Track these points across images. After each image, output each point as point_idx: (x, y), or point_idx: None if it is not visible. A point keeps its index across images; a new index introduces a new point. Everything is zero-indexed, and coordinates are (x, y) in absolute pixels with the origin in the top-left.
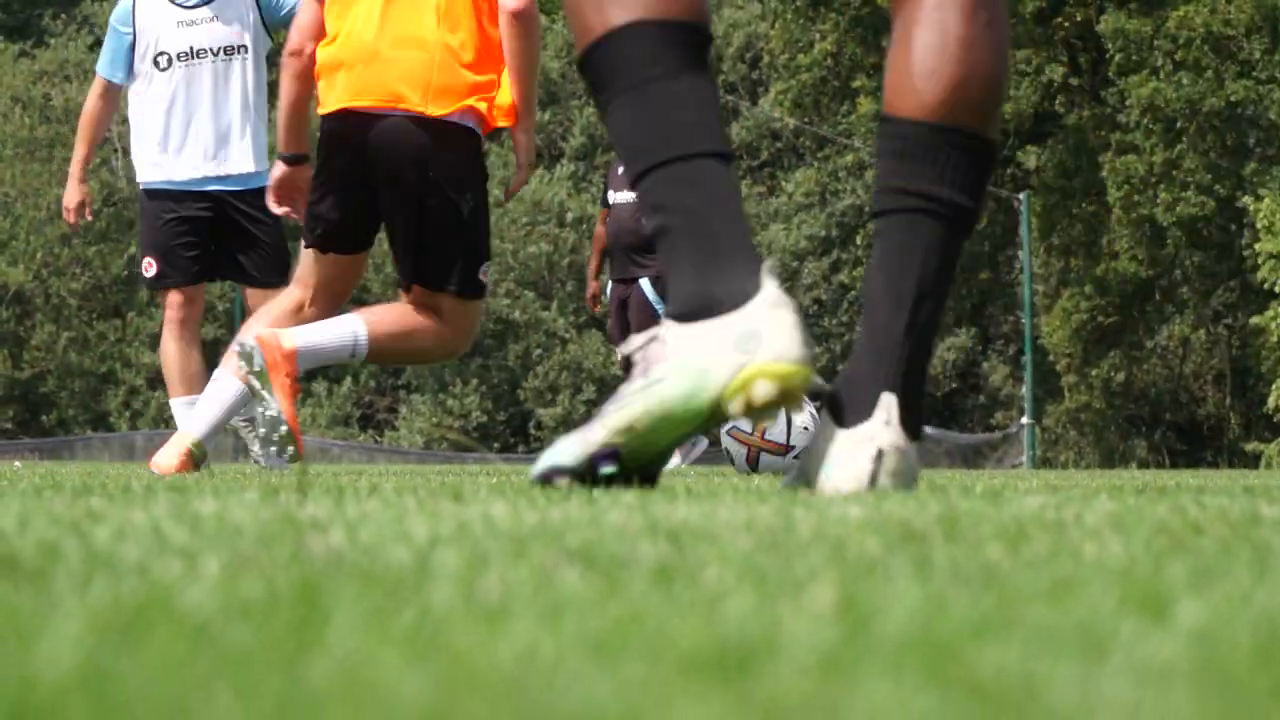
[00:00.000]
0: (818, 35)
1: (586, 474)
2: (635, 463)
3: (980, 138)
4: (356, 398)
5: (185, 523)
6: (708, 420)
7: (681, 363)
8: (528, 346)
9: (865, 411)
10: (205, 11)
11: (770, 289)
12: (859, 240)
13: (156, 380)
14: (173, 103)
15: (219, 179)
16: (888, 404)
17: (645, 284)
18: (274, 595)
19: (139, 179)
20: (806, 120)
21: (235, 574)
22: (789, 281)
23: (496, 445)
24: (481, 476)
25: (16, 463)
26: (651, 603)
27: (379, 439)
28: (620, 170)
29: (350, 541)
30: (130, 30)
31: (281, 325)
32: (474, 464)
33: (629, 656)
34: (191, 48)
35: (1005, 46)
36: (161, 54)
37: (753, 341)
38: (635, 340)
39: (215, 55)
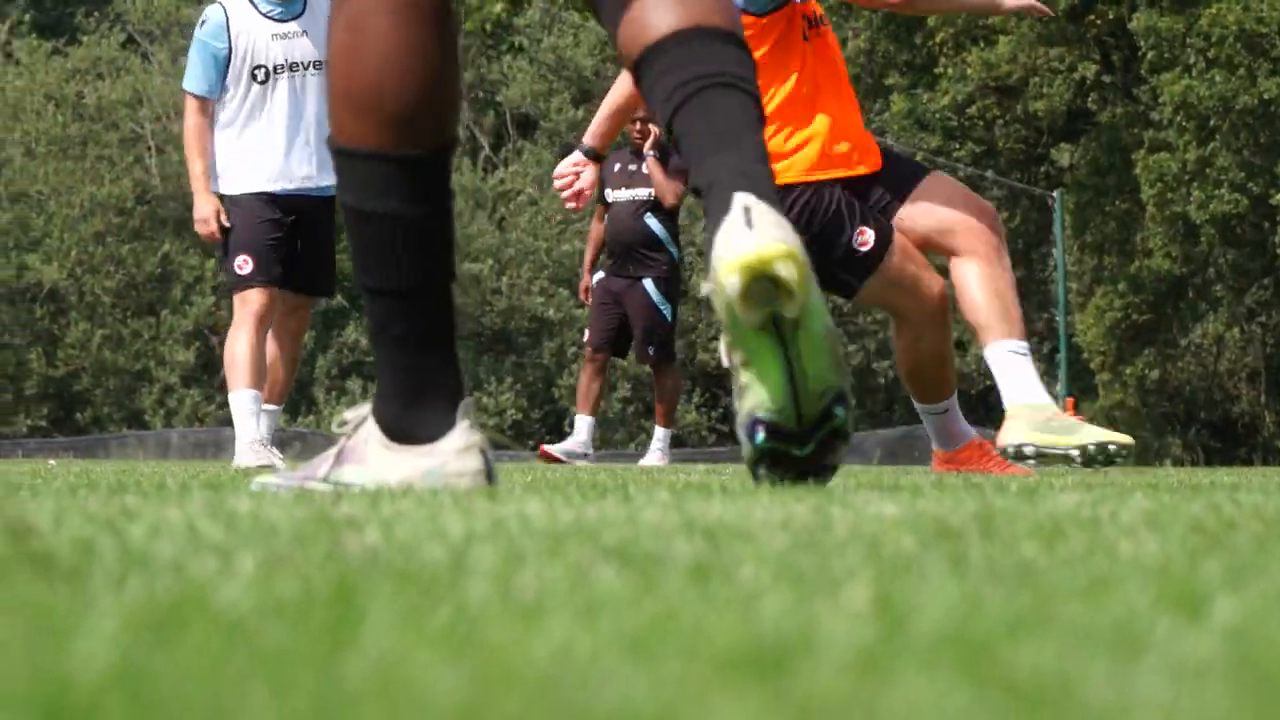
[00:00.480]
0: (850, 33)
1: None
2: None
3: (734, 34)
4: None
5: (220, 520)
6: None
7: (374, 482)
8: (562, 344)
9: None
10: (295, 26)
11: (460, 432)
12: None
13: (191, 378)
14: (268, 115)
15: (309, 192)
16: (740, 199)
17: (649, 284)
18: (309, 593)
19: (228, 188)
20: None
21: (270, 572)
22: None
23: (531, 443)
24: (516, 474)
25: (51, 461)
26: (687, 601)
27: None
28: (617, 168)
29: (385, 539)
30: (225, 44)
31: None
32: (509, 461)
33: (665, 655)
34: (287, 60)
35: None
36: (259, 67)
37: (438, 479)
38: (350, 415)
39: (306, 68)
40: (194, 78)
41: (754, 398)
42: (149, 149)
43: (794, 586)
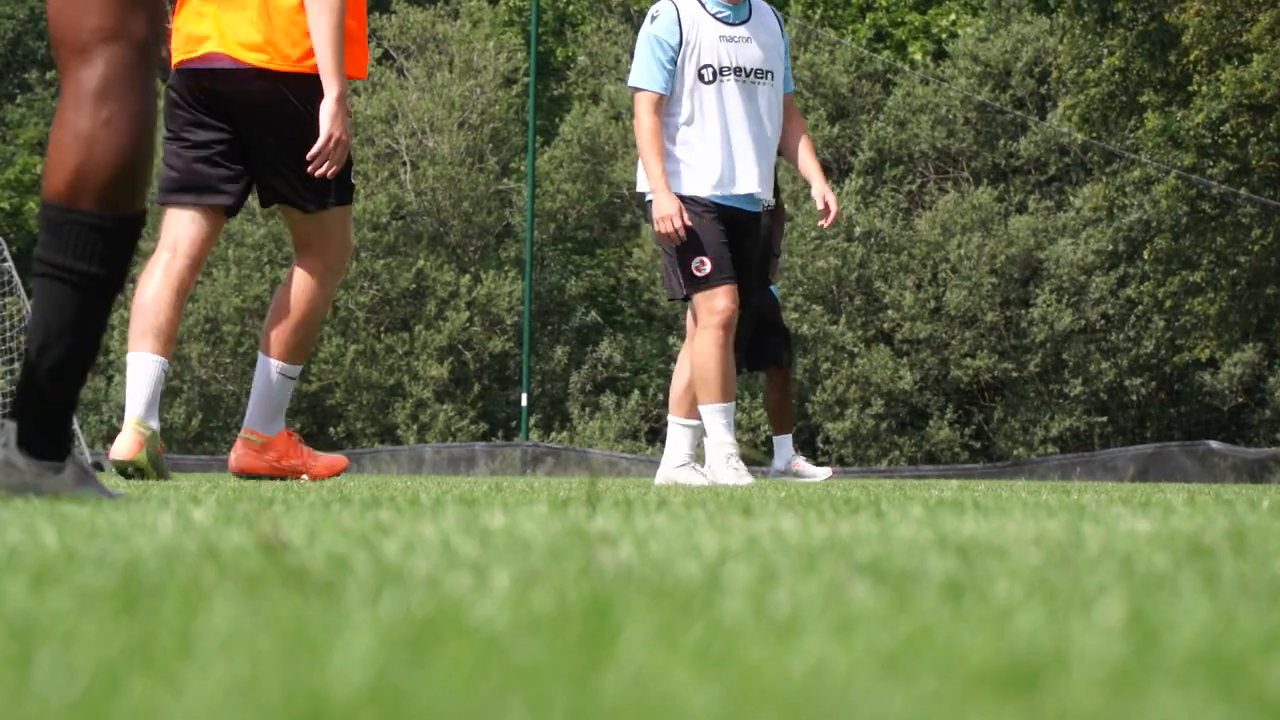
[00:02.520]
0: (1106, 50)
1: None
2: None
3: (107, 216)
4: (644, 411)
5: (474, 536)
6: None
7: None
8: (816, 360)
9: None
10: (744, 30)
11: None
12: (1146, 255)
13: (444, 394)
14: (715, 117)
15: (747, 197)
16: (8, 427)
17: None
18: (564, 609)
19: (684, 189)
20: (1094, 135)
21: (525, 588)
22: (1076, 296)
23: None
24: (770, 490)
25: (304, 475)
26: (941, 617)
27: None
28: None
29: (640, 555)
30: (677, 38)
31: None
32: (761, 478)
33: (919, 671)
34: (734, 64)
35: (129, 140)
36: (706, 66)
37: None
38: None
39: (748, 76)
40: (647, 74)
41: None
42: (404, 164)
43: (1047, 603)
